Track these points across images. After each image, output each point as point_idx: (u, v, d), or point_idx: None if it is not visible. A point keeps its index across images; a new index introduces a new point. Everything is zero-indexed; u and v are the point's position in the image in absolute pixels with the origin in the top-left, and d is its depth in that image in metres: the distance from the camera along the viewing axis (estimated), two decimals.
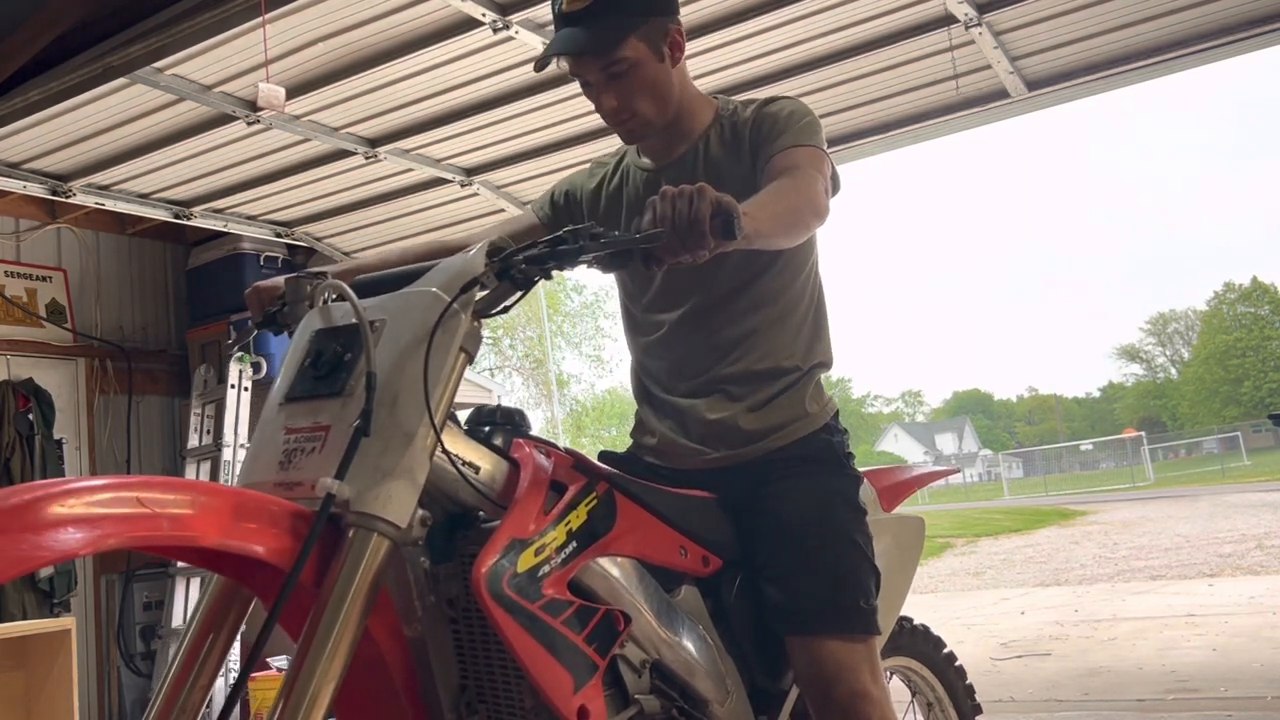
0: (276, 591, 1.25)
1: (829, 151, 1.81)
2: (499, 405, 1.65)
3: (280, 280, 1.65)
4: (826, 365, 1.93)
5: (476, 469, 1.50)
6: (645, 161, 1.93)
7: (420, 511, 1.37)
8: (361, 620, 1.28)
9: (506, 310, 1.48)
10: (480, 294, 1.45)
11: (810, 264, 1.91)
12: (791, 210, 1.61)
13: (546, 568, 1.45)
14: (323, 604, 1.27)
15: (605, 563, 1.58)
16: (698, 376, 1.87)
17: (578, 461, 1.62)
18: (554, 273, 1.44)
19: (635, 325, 1.99)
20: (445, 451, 1.41)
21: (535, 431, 1.67)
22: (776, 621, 1.75)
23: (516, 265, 1.43)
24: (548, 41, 3.54)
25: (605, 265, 1.42)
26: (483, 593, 1.36)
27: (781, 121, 1.78)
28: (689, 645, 1.69)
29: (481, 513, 1.52)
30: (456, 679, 1.50)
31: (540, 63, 1.79)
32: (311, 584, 1.30)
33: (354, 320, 1.42)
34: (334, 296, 1.53)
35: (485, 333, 1.50)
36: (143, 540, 1.14)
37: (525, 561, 1.42)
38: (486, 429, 1.62)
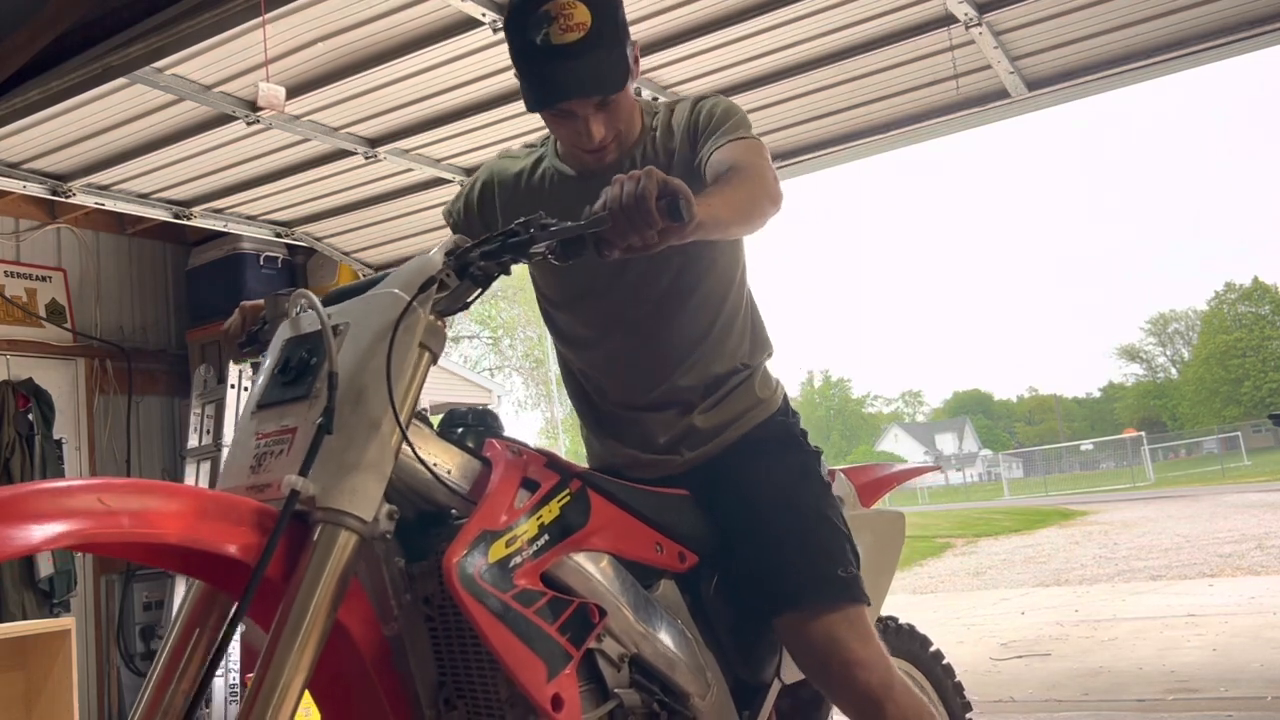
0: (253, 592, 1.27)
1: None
2: (471, 408, 1.69)
3: (263, 300, 1.70)
4: (771, 353, 1.98)
5: (449, 469, 1.53)
6: (567, 168, 1.87)
7: (387, 506, 1.40)
8: (330, 614, 1.30)
9: (467, 307, 1.51)
10: (441, 293, 1.47)
11: (742, 266, 1.94)
12: (749, 198, 1.60)
13: (518, 559, 1.47)
14: (290, 598, 1.29)
15: (580, 558, 1.60)
16: (654, 389, 1.87)
17: (550, 460, 1.64)
18: (511, 266, 1.47)
19: (564, 335, 1.98)
20: (410, 446, 1.42)
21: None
22: (759, 603, 1.77)
23: (474, 262, 1.46)
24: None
25: (559, 255, 1.44)
26: (453, 582, 1.38)
27: (717, 118, 1.77)
28: (668, 640, 1.71)
29: (454, 511, 1.54)
30: (435, 675, 1.52)
31: (541, 105, 1.71)
32: (282, 581, 1.31)
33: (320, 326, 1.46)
34: (305, 308, 1.56)
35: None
36: (104, 538, 1.16)
37: (496, 552, 1.45)
38: (459, 430, 1.65)
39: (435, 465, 1.51)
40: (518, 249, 1.43)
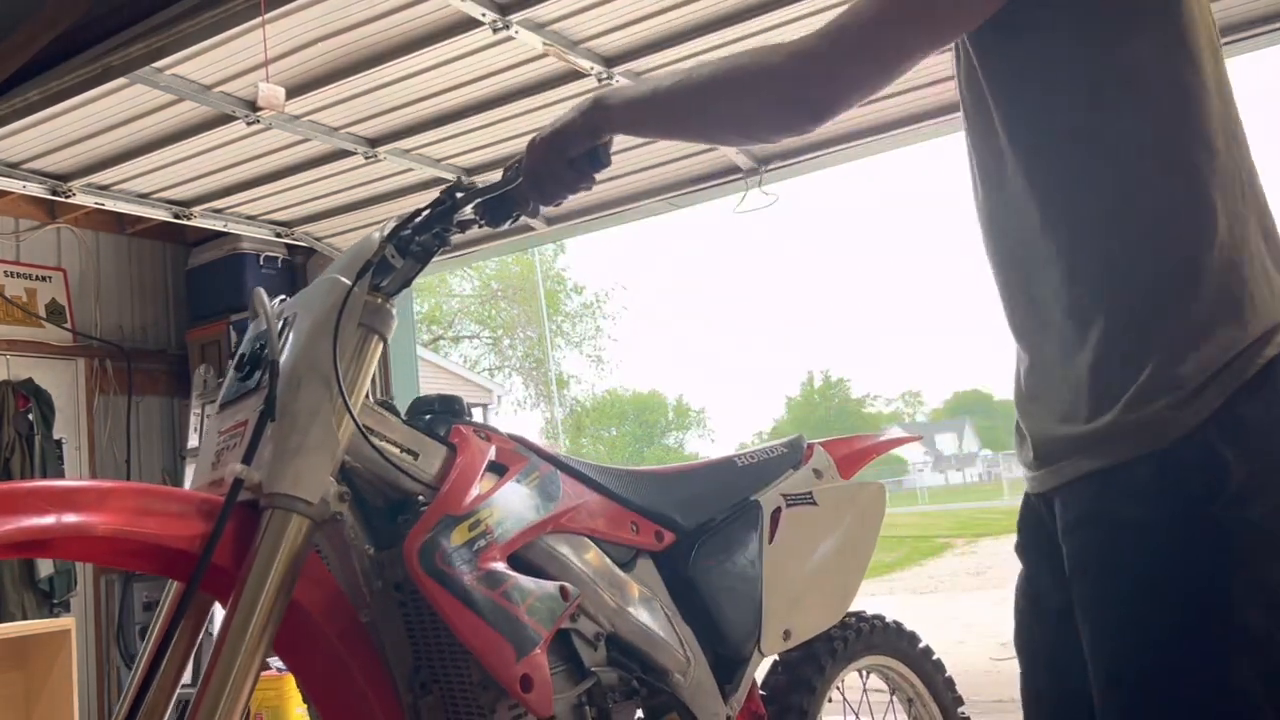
0: (229, 589, 1.29)
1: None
2: (439, 394, 1.71)
3: None
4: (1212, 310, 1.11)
5: (415, 455, 1.54)
6: None
7: (336, 487, 1.40)
8: (283, 599, 1.30)
9: (408, 284, 1.54)
10: (385, 274, 1.50)
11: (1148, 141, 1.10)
12: (713, 82, 1.20)
13: (483, 541, 1.48)
14: (241, 584, 1.29)
15: (553, 540, 1.61)
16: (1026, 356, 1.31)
17: (520, 444, 1.66)
18: (449, 237, 1.49)
19: None
20: (358, 425, 1.43)
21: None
22: None
23: (412, 239, 1.48)
24: (548, 41, 3.56)
25: (490, 220, 1.48)
26: (415, 567, 1.39)
27: None
28: (645, 617, 1.72)
29: (421, 498, 1.55)
30: (410, 660, 1.54)
31: None
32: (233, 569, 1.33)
33: (281, 319, 1.51)
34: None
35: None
36: (32, 535, 1.15)
37: (459, 536, 1.45)
38: (427, 417, 1.66)
39: (401, 452, 1.52)
40: (444, 218, 1.46)
